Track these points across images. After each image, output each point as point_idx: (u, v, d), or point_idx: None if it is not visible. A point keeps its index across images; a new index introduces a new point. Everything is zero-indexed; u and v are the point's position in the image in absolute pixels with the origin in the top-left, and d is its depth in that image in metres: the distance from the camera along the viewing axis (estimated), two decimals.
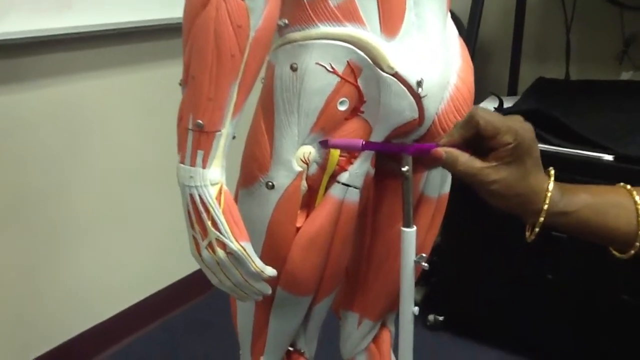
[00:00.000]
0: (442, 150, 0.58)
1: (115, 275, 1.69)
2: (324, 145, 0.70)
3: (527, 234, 0.60)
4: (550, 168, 0.59)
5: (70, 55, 1.48)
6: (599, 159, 1.38)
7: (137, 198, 1.70)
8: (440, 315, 1.76)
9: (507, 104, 1.63)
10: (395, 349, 0.89)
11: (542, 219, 0.57)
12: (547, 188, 0.57)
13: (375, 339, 0.96)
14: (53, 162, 1.49)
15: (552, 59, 1.89)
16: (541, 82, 1.75)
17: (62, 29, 1.39)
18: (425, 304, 1.75)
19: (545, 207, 0.56)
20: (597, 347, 1.50)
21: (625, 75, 1.75)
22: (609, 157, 1.37)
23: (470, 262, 1.64)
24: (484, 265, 1.62)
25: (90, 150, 1.56)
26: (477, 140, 0.57)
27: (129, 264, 1.72)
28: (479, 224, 1.57)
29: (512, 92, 1.85)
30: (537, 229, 0.58)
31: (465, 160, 0.57)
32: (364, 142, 0.67)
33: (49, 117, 1.46)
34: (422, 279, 1.57)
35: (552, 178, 0.58)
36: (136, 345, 1.72)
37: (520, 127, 0.56)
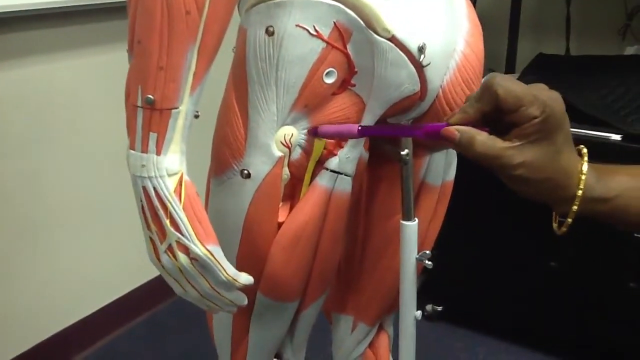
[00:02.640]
0: (454, 130, 0.49)
1: (97, 269, 1.65)
2: (313, 134, 0.60)
3: (555, 225, 0.51)
4: (582, 146, 0.50)
5: (36, 34, 1.39)
6: (606, 139, 1.32)
7: (117, 185, 1.62)
8: (439, 305, 1.70)
9: None
10: (395, 353, 0.80)
11: (575, 207, 0.48)
12: (581, 170, 0.48)
13: (371, 344, 0.87)
14: (22, 150, 1.41)
15: (551, 34, 1.81)
16: (541, 58, 1.69)
17: (26, 5, 1.30)
18: (422, 294, 1.68)
19: (580, 192, 0.48)
20: (603, 337, 1.45)
21: (630, 50, 1.67)
22: (616, 137, 1.31)
23: (470, 249, 1.59)
24: (484, 252, 1.57)
25: (63, 135, 1.49)
26: (495, 115, 0.48)
27: (111, 257, 1.67)
28: (478, 209, 1.52)
29: (510, 69, 1.77)
30: (569, 220, 0.49)
31: (484, 140, 0.47)
32: (359, 127, 0.58)
33: (15, 100, 1.38)
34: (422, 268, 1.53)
35: (586, 158, 0.49)
36: (121, 340, 1.68)
37: (548, 96, 0.47)
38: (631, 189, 0.49)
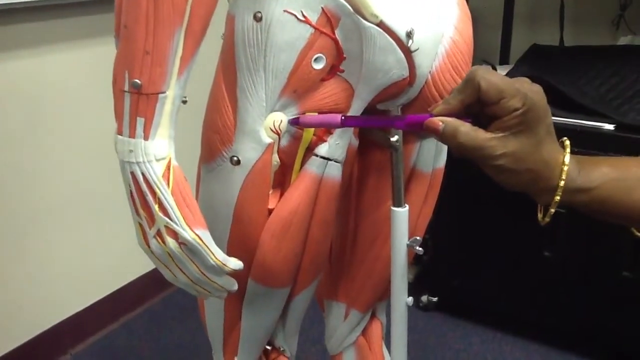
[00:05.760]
0: (438, 121, 0.50)
1: (92, 262, 1.64)
2: (294, 123, 0.60)
3: (540, 215, 0.52)
4: (565, 138, 0.51)
5: (26, 27, 1.38)
6: (599, 129, 1.32)
7: (110, 178, 1.61)
8: (434, 296, 1.70)
9: (500, 72, 1.54)
10: (387, 341, 0.80)
11: (557, 197, 0.49)
12: (563, 161, 0.49)
13: (364, 332, 0.87)
14: (13, 143, 1.40)
15: (545, 25, 1.81)
16: (535, 49, 1.68)
17: None
18: (417, 284, 1.71)
19: (562, 183, 0.49)
20: (597, 326, 1.45)
21: (624, 40, 1.67)
22: (609, 127, 1.31)
23: (464, 239, 1.59)
24: (478, 242, 1.57)
25: (54, 129, 1.48)
26: (477, 106, 0.49)
27: (106, 250, 1.67)
28: (472, 198, 1.52)
29: (504, 60, 1.77)
30: (552, 210, 0.50)
31: (467, 131, 0.48)
32: (343, 117, 0.58)
33: (7, 93, 1.37)
34: (414, 257, 1.53)
35: (568, 149, 0.50)
36: (117, 334, 1.68)
37: (529, 89, 0.48)
38: (612, 179, 0.49)
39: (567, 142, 0.51)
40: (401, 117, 0.55)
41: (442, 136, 0.50)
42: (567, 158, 0.49)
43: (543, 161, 0.48)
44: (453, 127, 0.49)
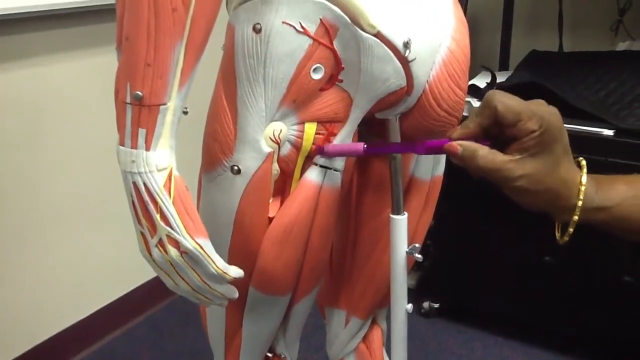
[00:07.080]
0: (456, 144, 0.51)
1: (95, 270, 1.65)
2: (320, 153, 0.63)
3: (558, 234, 0.53)
4: (581, 158, 0.53)
5: (30, 37, 1.39)
6: (598, 134, 1.32)
7: (113, 186, 1.61)
8: (435, 302, 1.70)
9: (500, 78, 1.56)
10: (388, 347, 0.81)
11: (576, 217, 0.50)
12: (581, 181, 0.50)
13: (365, 338, 0.87)
14: (17, 152, 1.41)
15: (544, 31, 1.82)
16: (534, 55, 1.69)
17: (20, 7, 1.30)
18: (419, 291, 1.71)
19: (580, 203, 0.50)
20: (598, 330, 1.46)
21: (622, 46, 1.67)
22: (608, 132, 1.31)
23: (466, 245, 1.60)
24: (479, 248, 1.58)
25: (57, 137, 1.49)
26: (496, 129, 0.50)
27: (107, 259, 1.68)
28: (473, 204, 1.53)
29: (503, 66, 1.78)
30: (571, 229, 0.51)
31: (485, 154, 0.50)
32: (365, 147, 0.60)
33: (9, 101, 1.38)
34: (415, 264, 1.53)
35: (585, 169, 0.51)
36: (119, 341, 1.69)
37: (546, 111, 0.49)
38: (630, 197, 0.50)
39: (584, 162, 0.52)
40: (421, 142, 0.57)
41: (461, 159, 0.51)
42: (584, 178, 0.50)
43: (561, 181, 0.49)
44: (471, 150, 0.50)
